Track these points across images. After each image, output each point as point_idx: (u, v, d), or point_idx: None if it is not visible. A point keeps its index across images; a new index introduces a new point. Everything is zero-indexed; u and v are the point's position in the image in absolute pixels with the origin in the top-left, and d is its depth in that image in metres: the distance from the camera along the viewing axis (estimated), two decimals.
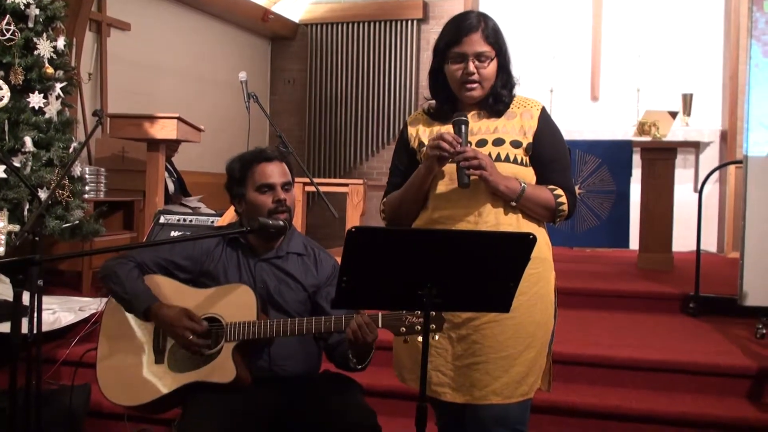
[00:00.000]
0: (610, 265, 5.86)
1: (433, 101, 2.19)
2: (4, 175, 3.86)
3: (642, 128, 6.12)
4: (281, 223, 2.28)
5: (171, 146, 5.22)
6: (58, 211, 4.07)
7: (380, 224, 2.21)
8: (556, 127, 2.17)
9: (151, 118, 4.71)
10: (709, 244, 6.86)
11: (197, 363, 2.22)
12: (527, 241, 1.73)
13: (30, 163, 3.99)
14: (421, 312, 1.83)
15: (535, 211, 2.08)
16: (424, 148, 2.08)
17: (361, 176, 7.77)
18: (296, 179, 2.48)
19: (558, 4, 7.89)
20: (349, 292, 1.75)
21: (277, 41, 8.56)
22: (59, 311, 3.71)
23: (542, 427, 3.05)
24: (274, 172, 2.35)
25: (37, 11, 4.07)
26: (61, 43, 4.24)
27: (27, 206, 3.92)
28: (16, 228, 3.74)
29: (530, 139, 2.09)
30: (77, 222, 4.15)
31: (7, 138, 3.93)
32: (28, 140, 3.97)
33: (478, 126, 2.10)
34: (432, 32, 7.76)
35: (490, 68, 2.06)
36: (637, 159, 5.62)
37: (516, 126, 2.10)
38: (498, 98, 2.11)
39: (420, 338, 1.80)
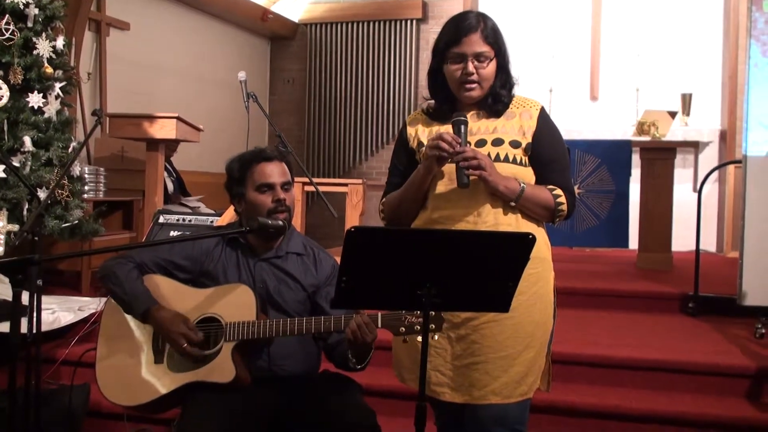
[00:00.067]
0: (610, 264, 5.86)
1: (432, 101, 2.19)
2: (3, 175, 3.86)
3: (641, 128, 6.12)
4: (281, 222, 2.28)
5: (170, 146, 5.21)
6: (57, 211, 4.07)
7: (379, 224, 2.21)
8: (555, 127, 2.17)
9: (151, 118, 4.71)
10: (709, 244, 6.86)
11: (197, 363, 2.22)
12: (527, 241, 1.73)
13: (29, 163, 3.99)
14: (421, 312, 1.83)
15: (535, 211, 2.08)
16: (424, 148, 2.08)
17: (360, 176, 7.77)
18: (296, 179, 2.47)
19: (557, 4, 7.89)
20: (348, 292, 1.75)
21: (276, 41, 8.56)
22: (58, 311, 3.71)
23: (541, 427, 3.05)
24: (274, 171, 2.35)
25: (37, 11, 4.07)
26: (60, 42, 4.24)
27: (26, 206, 3.91)
28: (16, 228, 3.73)
29: (529, 139, 2.09)
30: (76, 222, 4.15)
31: (6, 138, 3.93)
32: (27, 140, 3.97)
33: (478, 126, 2.10)
34: (431, 32, 7.76)
35: (490, 68, 2.06)
36: (636, 159, 5.63)
37: (515, 126, 2.10)
38: (497, 98, 2.11)
39: (419, 338, 1.81)
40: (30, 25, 4.06)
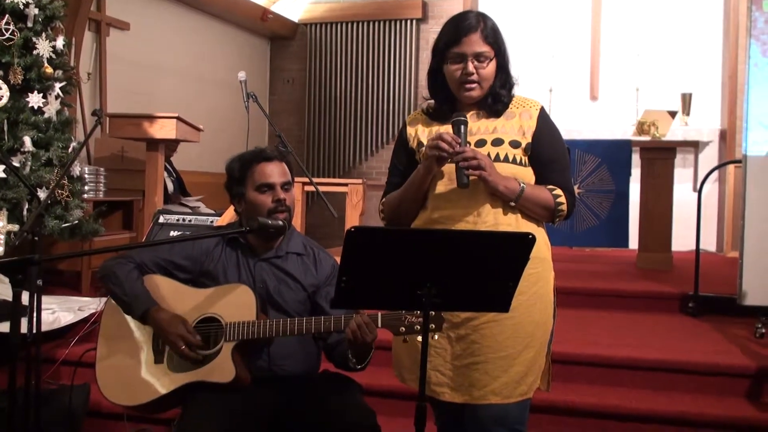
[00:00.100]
0: (610, 264, 5.86)
1: (432, 101, 2.19)
2: (3, 175, 3.86)
3: (641, 128, 6.12)
4: (281, 222, 2.28)
5: (170, 146, 5.22)
6: (57, 211, 4.07)
7: (379, 224, 2.21)
8: (554, 126, 2.16)
9: (151, 118, 4.71)
10: (709, 244, 6.86)
11: (196, 363, 2.22)
12: (527, 241, 1.73)
13: (29, 163, 3.99)
14: (421, 312, 1.83)
15: (534, 211, 2.08)
16: (423, 148, 2.08)
17: (360, 176, 7.78)
18: (296, 179, 2.48)
19: (557, 4, 7.89)
20: (348, 291, 1.75)
21: (276, 41, 8.56)
22: (58, 311, 3.71)
23: (541, 427, 3.05)
24: (274, 171, 2.35)
25: (36, 11, 4.07)
26: (60, 42, 4.23)
27: (26, 206, 3.92)
28: (16, 228, 3.73)
29: (529, 139, 2.09)
30: (76, 222, 4.15)
31: (6, 138, 3.93)
32: (27, 140, 3.97)
33: (477, 126, 2.10)
34: (431, 32, 7.76)
35: (489, 68, 2.06)
36: (636, 158, 5.63)
37: (515, 126, 2.10)
38: (497, 98, 2.11)
39: (419, 338, 1.81)
40: (30, 25, 4.06)
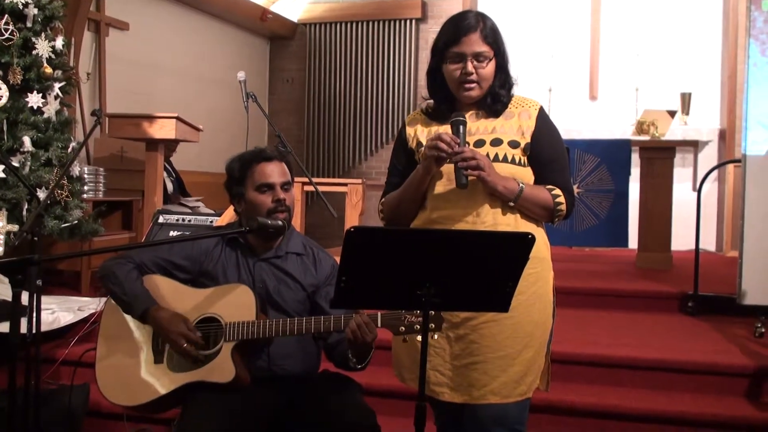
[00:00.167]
0: (609, 264, 5.86)
1: (432, 101, 2.19)
2: (2, 175, 3.86)
3: (641, 127, 6.13)
4: (280, 222, 2.28)
5: (170, 146, 5.22)
6: (56, 211, 4.07)
7: (379, 224, 2.21)
8: (554, 126, 2.17)
9: (150, 118, 4.71)
10: (708, 243, 6.87)
11: (196, 363, 2.22)
12: (526, 241, 1.73)
13: (29, 163, 3.99)
14: (420, 311, 1.83)
15: (534, 211, 2.08)
16: (423, 148, 2.08)
17: (359, 176, 7.78)
18: (295, 179, 2.48)
19: (557, 4, 7.89)
20: (348, 291, 1.75)
21: (275, 41, 8.56)
22: (58, 311, 3.71)
23: (541, 427, 3.05)
24: (274, 171, 2.35)
25: (36, 11, 4.07)
26: (59, 42, 4.24)
27: (26, 206, 3.92)
28: (15, 228, 3.74)
29: (528, 139, 2.09)
30: (76, 222, 4.15)
31: (5, 138, 3.93)
32: (26, 140, 3.97)
33: (476, 126, 2.10)
34: (430, 32, 7.76)
35: (489, 68, 2.06)
36: (635, 158, 5.63)
37: (514, 126, 2.10)
38: (496, 98, 2.11)
39: (419, 338, 1.81)
40: (29, 25, 4.07)
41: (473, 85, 2.06)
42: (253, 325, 2.18)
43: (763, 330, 3.74)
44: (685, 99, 7.24)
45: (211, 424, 2.08)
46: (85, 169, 5.00)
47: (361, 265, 1.72)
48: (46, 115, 4.10)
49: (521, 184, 2.03)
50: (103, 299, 2.65)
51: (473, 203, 2.04)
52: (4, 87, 3.95)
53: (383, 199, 2.24)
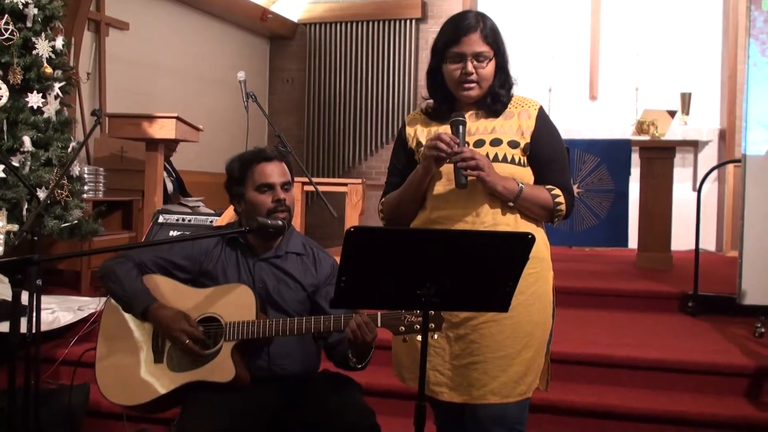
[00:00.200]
0: (609, 264, 5.86)
1: (431, 101, 2.19)
2: (2, 175, 3.86)
3: (641, 127, 6.13)
4: (280, 222, 2.28)
5: (169, 146, 5.22)
6: (56, 211, 4.07)
7: (379, 224, 2.21)
8: (553, 126, 2.16)
9: (150, 118, 4.71)
10: (708, 243, 6.87)
11: (196, 362, 2.22)
12: (526, 241, 1.73)
13: (29, 163, 3.99)
14: (420, 311, 1.83)
15: (533, 211, 2.08)
16: (422, 149, 2.08)
17: (359, 176, 7.78)
18: (295, 179, 2.48)
19: (557, 4, 7.89)
20: (347, 291, 1.75)
21: (275, 41, 8.56)
22: (58, 311, 3.71)
23: (541, 427, 3.05)
24: (274, 171, 2.35)
25: (36, 11, 4.07)
26: (59, 42, 4.24)
27: (26, 206, 3.92)
28: (15, 228, 3.74)
29: (528, 139, 2.09)
30: (76, 222, 4.15)
31: (5, 137, 3.93)
32: (26, 140, 3.97)
33: (476, 126, 2.10)
34: (430, 32, 7.76)
35: (489, 68, 2.06)
36: (635, 158, 5.63)
37: (513, 126, 2.10)
38: (496, 98, 2.11)
39: (419, 337, 1.81)
40: (29, 25, 4.06)
41: (473, 84, 2.06)
42: (253, 325, 2.18)
43: (762, 330, 3.74)
44: (685, 99, 7.24)
45: (210, 423, 2.08)
46: (85, 168, 5.00)
47: (361, 265, 1.72)
48: (46, 115, 4.10)
49: (521, 184, 2.03)
50: (103, 299, 2.65)
51: (473, 203, 2.04)
52: (4, 87, 3.95)
53: (383, 199, 2.24)
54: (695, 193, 4.62)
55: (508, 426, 2.05)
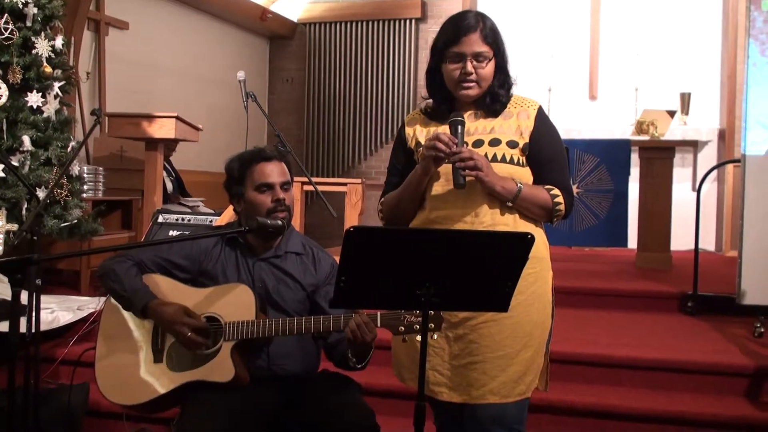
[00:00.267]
0: (609, 264, 5.87)
1: (431, 101, 2.19)
2: (2, 174, 3.86)
3: (640, 127, 6.13)
4: (280, 222, 2.28)
5: (169, 145, 5.22)
6: (56, 211, 4.07)
7: (378, 224, 2.21)
8: (552, 126, 2.16)
9: (150, 118, 4.71)
10: (708, 243, 6.87)
11: (196, 362, 2.22)
12: (526, 241, 1.73)
13: (28, 162, 3.99)
14: (420, 311, 1.83)
15: (532, 211, 2.08)
16: (421, 148, 2.08)
17: (359, 175, 7.78)
18: (295, 179, 2.48)
19: (557, 4, 7.89)
20: (347, 291, 1.75)
21: (275, 40, 8.56)
22: (57, 310, 3.71)
23: (540, 427, 3.05)
24: (273, 171, 2.35)
25: (35, 10, 4.07)
26: (59, 42, 4.23)
27: (25, 205, 3.92)
28: (15, 227, 3.74)
29: (527, 139, 2.09)
30: (75, 221, 4.15)
31: (5, 137, 3.93)
32: (26, 139, 3.97)
33: (475, 126, 2.10)
34: (430, 31, 7.75)
35: (488, 68, 2.06)
36: (635, 158, 5.63)
37: (512, 126, 2.10)
38: (495, 98, 2.11)
39: (418, 337, 1.81)
40: (29, 24, 4.06)
41: (472, 84, 2.06)
42: (253, 325, 2.18)
43: (762, 330, 3.74)
44: (685, 99, 7.24)
45: (210, 423, 2.08)
46: (85, 168, 5.00)
47: (361, 264, 1.72)
48: (45, 115, 4.10)
49: (519, 184, 2.03)
50: (103, 299, 2.65)
51: (472, 203, 2.04)
52: (3, 86, 3.95)
53: (382, 199, 2.24)
54: (695, 193, 4.62)
55: (508, 426, 2.05)
